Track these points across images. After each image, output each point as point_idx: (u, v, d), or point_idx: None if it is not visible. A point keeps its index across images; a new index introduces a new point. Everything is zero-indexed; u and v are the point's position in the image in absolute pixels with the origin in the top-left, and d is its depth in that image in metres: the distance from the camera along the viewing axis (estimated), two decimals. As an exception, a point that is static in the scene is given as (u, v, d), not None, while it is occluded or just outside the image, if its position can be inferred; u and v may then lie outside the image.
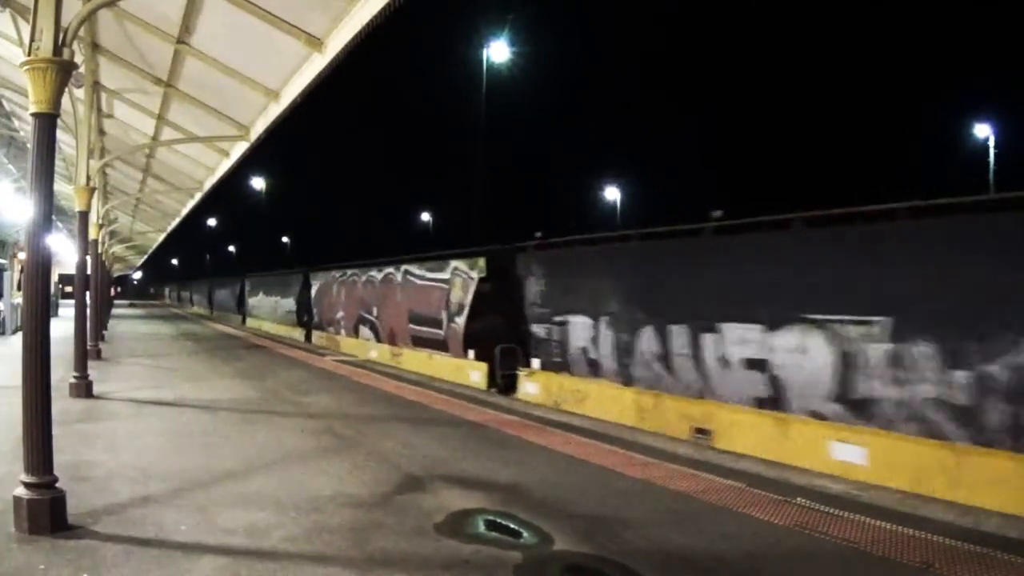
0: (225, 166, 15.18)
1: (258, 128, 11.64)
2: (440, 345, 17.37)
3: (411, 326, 19.06)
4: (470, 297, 16.08)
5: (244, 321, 40.41)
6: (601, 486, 7.48)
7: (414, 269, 19.19)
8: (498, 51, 29.58)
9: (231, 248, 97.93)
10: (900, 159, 40.40)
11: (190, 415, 10.81)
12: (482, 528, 6.01)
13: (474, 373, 15.47)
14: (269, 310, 35.69)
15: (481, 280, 15.83)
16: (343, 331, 24.65)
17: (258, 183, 60.80)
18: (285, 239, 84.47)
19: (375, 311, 21.79)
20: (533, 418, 11.56)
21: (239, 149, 13.49)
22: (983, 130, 37.30)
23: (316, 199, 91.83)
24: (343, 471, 7.62)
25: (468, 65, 31.70)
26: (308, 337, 28.39)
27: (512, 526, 6.04)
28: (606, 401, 11.71)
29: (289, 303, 31.97)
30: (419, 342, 18.56)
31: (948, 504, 6.92)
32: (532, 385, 13.62)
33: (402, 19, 7.22)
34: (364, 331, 22.66)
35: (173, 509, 6.11)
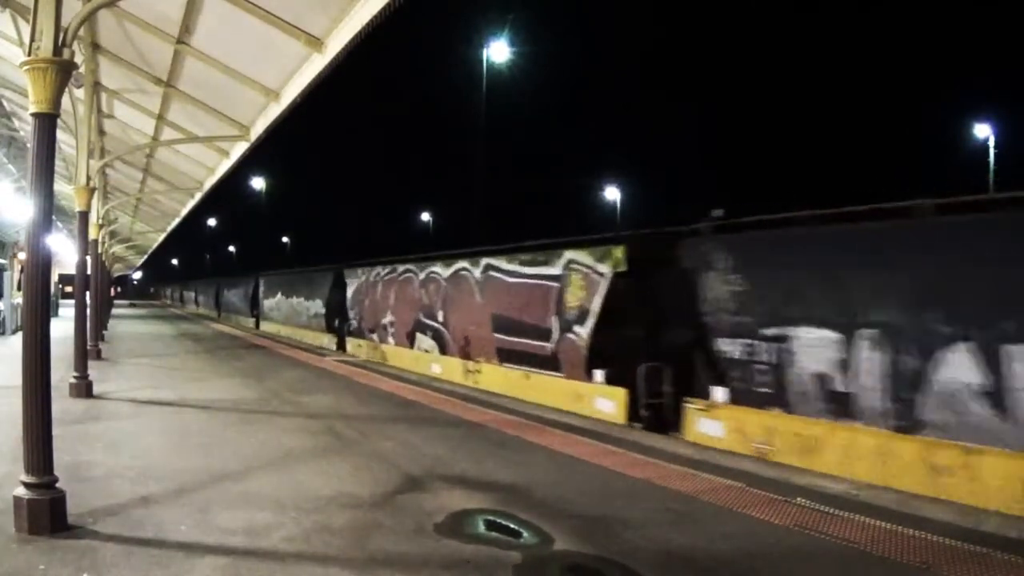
0: (225, 166, 15.19)
1: (258, 128, 11.64)
2: (545, 362, 13.27)
3: (497, 336, 14.84)
4: (599, 299, 12.00)
5: (258, 325, 36.64)
6: (601, 486, 7.49)
7: (502, 263, 14.92)
8: (498, 51, 29.60)
9: (231, 248, 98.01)
10: (900, 159, 40.46)
11: (190, 415, 10.81)
12: (482, 528, 6.01)
13: (603, 401, 11.60)
14: (290, 313, 31.49)
15: (617, 276, 11.73)
16: (391, 339, 20.39)
17: (258, 183, 60.98)
18: (285, 239, 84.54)
19: (441, 316, 17.51)
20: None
21: (239, 149, 13.50)
22: (983, 130, 37.32)
23: (316, 199, 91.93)
24: (343, 471, 7.62)
25: (468, 65, 31.73)
26: (341, 345, 24.20)
27: (512, 526, 6.04)
28: (863, 454, 8.05)
29: (316, 305, 27.64)
30: (509, 357, 14.38)
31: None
32: (714, 424, 9.74)
33: (402, 19, 7.24)
34: (424, 340, 18.37)
35: (173, 509, 6.11)
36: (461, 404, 12.71)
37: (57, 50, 5.56)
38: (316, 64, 8.48)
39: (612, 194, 50.54)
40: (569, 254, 12.97)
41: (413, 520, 6.04)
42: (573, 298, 12.71)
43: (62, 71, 5.59)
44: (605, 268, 12.05)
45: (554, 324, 13.19)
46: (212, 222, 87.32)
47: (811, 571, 5.38)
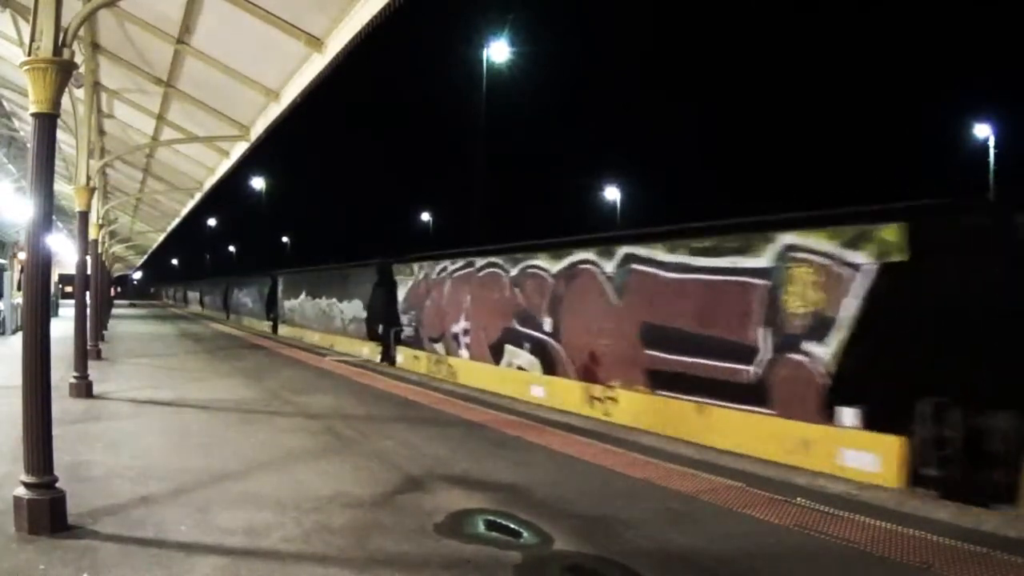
0: (225, 166, 15.20)
1: (258, 128, 11.65)
2: (740, 391, 9.37)
3: (649, 353, 10.88)
4: (852, 303, 8.28)
5: (275, 329, 33.07)
6: (601, 486, 7.48)
7: (656, 252, 10.89)
8: (498, 51, 29.63)
9: (232, 248, 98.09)
10: (900, 159, 40.47)
11: (190, 415, 10.81)
12: (482, 528, 6.01)
13: (856, 454, 8.06)
14: (318, 316, 27.39)
15: (886, 269, 8.05)
16: (464, 351, 16.34)
17: (258, 183, 61.07)
18: (285, 239, 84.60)
19: (548, 323, 13.38)
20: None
21: (239, 149, 13.51)
22: (983, 130, 37.37)
23: (316, 199, 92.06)
24: (343, 471, 7.62)
25: (468, 65, 31.73)
26: (388, 356, 20.24)
27: (512, 526, 6.04)
28: None
29: (354, 308, 23.48)
30: (669, 382, 10.47)
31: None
32: None
33: (402, 19, 7.24)
34: (518, 355, 14.29)
35: (173, 509, 6.11)
36: (461, 404, 12.70)
37: (57, 50, 5.55)
38: (316, 64, 8.48)
39: (612, 194, 50.59)
40: (788, 238, 9.11)
41: (413, 520, 6.04)
42: (799, 301, 8.91)
43: (62, 71, 5.58)
44: (862, 257, 8.32)
45: (761, 338, 9.24)
46: (212, 222, 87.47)
47: (811, 571, 5.38)
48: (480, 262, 15.88)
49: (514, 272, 14.54)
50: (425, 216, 66.84)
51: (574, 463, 8.45)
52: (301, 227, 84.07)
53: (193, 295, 67.85)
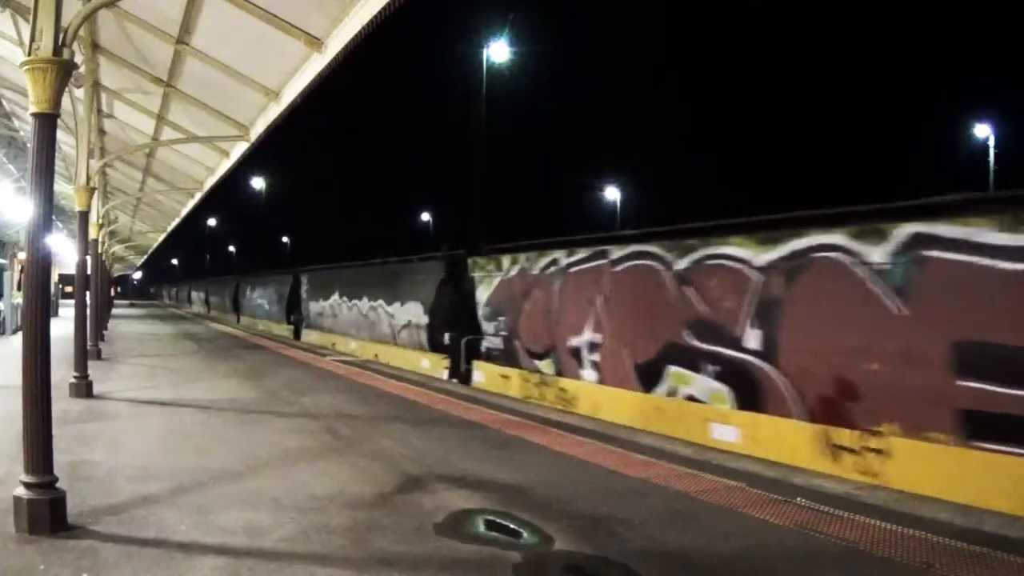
0: (225, 166, 15.20)
1: (258, 128, 11.65)
2: None
3: (964, 384, 7.24)
4: None
5: (298, 334, 29.61)
6: (601, 486, 7.47)
7: (980, 232, 7.19)
8: (498, 51, 29.61)
9: (232, 248, 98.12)
10: (900, 159, 40.50)
11: (190, 415, 10.81)
12: (482, 528, 6.01)
13: None
14: (356, 321, 23.39)
15: None
16: (590, 371, 12.51)
17: (258, 183, 61.12)
18: (285, 239, 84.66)
19: (753, 337, 9.50)
20: (538, 419, 10.98)
21: (239, 149, 13.51)
22: (983, 130, 37.36)
23: (316, 199, 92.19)
24: (343, 471, 7.62)
25: (468, 65, 31.70)
26: (458, 371, 16.32)
27: (512, 526, 6.04)
28: None
29: (409, 312, 19.53)
30: (1001, 429, 6.94)
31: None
32: None
33: (402, 19, 7.25)
34: (688, 380, 10.45)
35: (173, 509, 6.10)
36: (462, 404, 12.69)
37: (57, 50, 5.55)
38: (316, 64, 8.49)
39: (612, 194, 50.61)
40: None
41: (413, 520, 6.04)
42: None
43: (62, 71, 5.58)
44: None
45: None
46: (212, 222, 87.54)
47: (812, 572, 5.37)
48: (618, 252, 12.03)
49: (682, 264, 10.68)
50: (425, 216, 66.92)
51: (574, 463, 8.40)
52: (301, 227, 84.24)
53: (197, 295, 65.07)
